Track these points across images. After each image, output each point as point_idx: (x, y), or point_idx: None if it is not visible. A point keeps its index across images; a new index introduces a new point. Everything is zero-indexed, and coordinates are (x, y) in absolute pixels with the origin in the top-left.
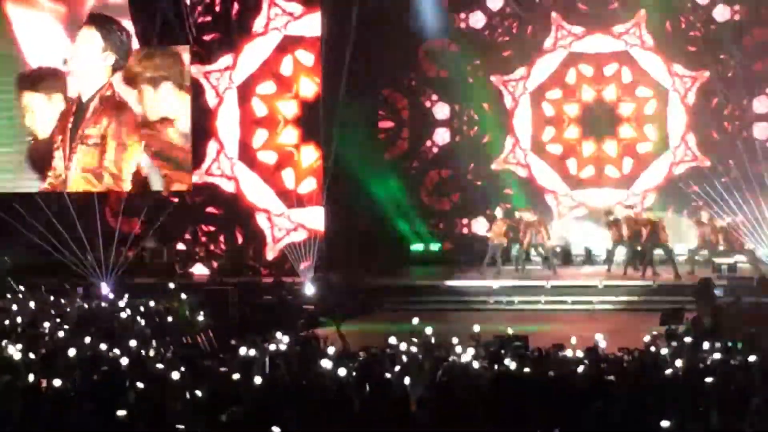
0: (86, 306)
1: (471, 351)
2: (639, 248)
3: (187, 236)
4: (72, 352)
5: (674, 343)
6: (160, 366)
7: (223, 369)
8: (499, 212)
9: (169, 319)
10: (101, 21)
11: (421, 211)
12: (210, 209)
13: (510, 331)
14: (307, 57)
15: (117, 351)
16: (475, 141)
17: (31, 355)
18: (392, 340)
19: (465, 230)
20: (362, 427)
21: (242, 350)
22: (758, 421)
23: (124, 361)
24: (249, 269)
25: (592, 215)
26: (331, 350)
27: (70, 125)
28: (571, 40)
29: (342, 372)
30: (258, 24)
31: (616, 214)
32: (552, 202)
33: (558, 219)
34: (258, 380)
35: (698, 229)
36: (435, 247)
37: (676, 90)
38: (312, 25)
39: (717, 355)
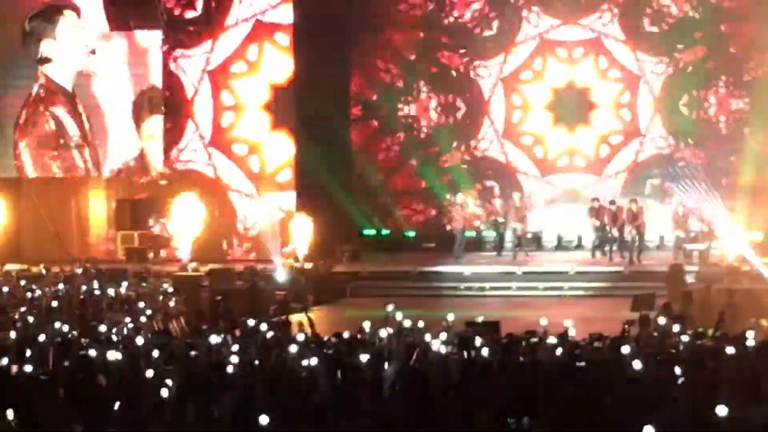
0: (58, 291)
1: (443, 337)
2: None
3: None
4: (42, 337)
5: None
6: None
7: (193, 353)
8: (459, 198)
9: (141, 304)
10: None
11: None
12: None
13: (481, 317)
14: (281, 42)
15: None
16: (446, 128)
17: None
18: (366, 325)
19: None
20: (334, 412)
21: (213, 337)
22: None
23: (96, 347)
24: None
25: (564, 200)
26: (300, 337)
27: None
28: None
29: (313, 359)
30: (233, 13)
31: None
32: (526, 187)
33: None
34: (229, 367)
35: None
36: (385, 231)
37: (644, 78)
38: (286, 13)
39: (685, 338)
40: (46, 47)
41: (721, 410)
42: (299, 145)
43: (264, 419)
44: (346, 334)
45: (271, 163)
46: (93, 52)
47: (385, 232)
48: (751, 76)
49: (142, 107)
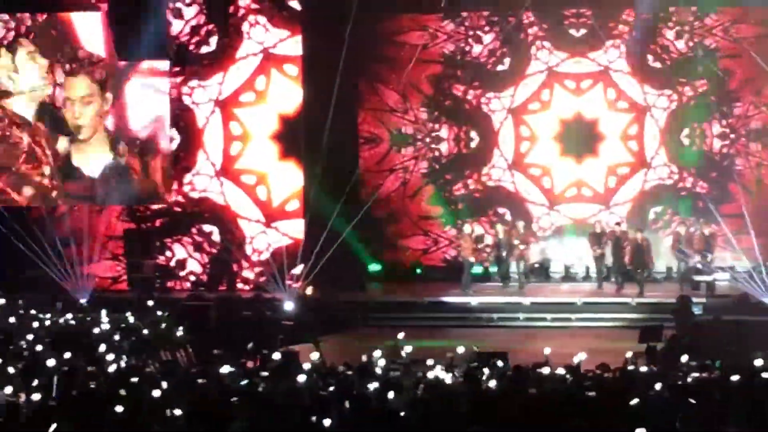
0: (65, 320)
1: (450, 368)
2: (621, 266)
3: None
4: (51, 365)
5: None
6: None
7: (201, 381)
8: (467, 229)
9: (146, 332)
10: None
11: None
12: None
13: (489, 348)
14: (291, 73)
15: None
16: (457, 158)
17: (10, 369)
18: (376, 353)
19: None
20: None
21: (220, 366)
22: None
23: (104, 375)
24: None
25: (571, 230)
26: (307, 366)
27: None
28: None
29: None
30: (244, 47)
31: (602, 227)
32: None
33: (538, 234)
34: (237, 397)
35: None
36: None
37: (650, 110)
38: (295, 46)
39: (694, 373)
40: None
41: None
42: (307, 176)
43: None
44: (354, 364)
45: (279, 193)
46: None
47: (390, 269)
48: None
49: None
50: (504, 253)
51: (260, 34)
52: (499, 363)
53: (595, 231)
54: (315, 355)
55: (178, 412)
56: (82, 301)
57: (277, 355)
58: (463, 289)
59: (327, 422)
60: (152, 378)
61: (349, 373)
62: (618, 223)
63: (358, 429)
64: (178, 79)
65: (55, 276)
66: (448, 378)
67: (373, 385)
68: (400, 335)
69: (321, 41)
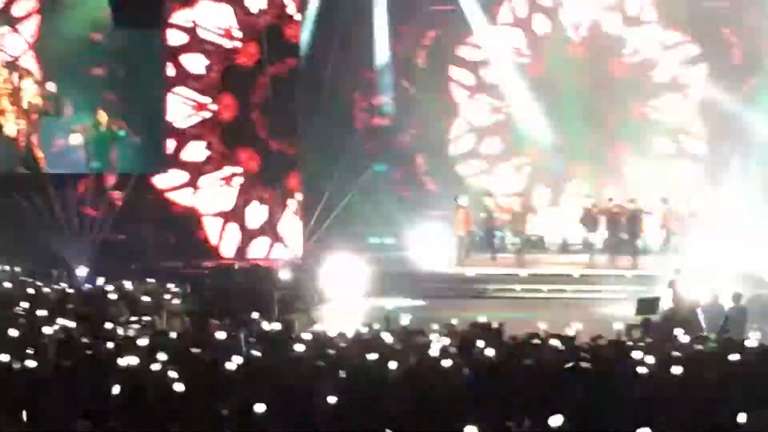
0: (63, 288)
1: (446, 339)
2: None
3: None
4: (47, 333)
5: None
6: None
7: (197, 351)
8: (464, 201)
9: (145, 299)
10: None
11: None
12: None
13: (485, 319)
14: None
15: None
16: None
17: (7, 335)
18: (369, 325)
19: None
20: (337, 412)
21: (219, 334)
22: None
23: (102, 345)
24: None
25: (568, 203)
26: (305, 335)
27: None
28: None
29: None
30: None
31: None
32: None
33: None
34: (234, 366)
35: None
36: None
37: None
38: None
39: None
40: None
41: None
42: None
43: (260, 407)
44: (350, 335)
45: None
46: None
47: (388, 240)
48: None
49: None
50: (498, 230)
51: None
52: (495, 334)
53: (586, 208)
54: (311, 325)
55: (174, 377)
56: (81, 269)
57: (273, 325)
58: (459, 260)
59: (332, 400)
60: (149, 348)
61: (343, 345)
62: (610, 199)
63: (354, 399)
64: None
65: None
66: (444, 348)
67: (370, 356)
68: (391, 305)
69: None
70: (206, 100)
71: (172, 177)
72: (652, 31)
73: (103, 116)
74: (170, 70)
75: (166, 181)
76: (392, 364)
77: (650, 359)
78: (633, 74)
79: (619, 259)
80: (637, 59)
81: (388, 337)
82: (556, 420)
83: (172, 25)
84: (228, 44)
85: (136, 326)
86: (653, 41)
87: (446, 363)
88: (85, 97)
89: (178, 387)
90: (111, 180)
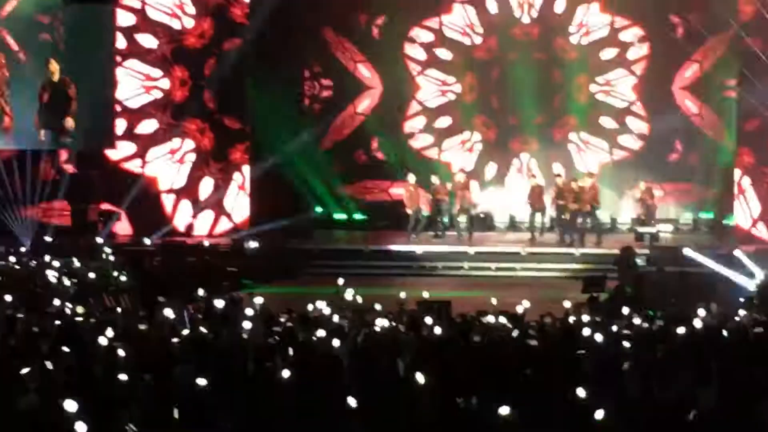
0: (8, 264)
1: (394, 316)
2: (564, 215)
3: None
4: None
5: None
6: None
7: (143, 327)
8: (412, 178)
9: (92, 276)
10: None
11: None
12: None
13: (432, 297)
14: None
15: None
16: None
17: None
18: (320, 304)
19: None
20: (286, 389)
21: (166, 311)
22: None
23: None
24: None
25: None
26: (250, 312)
27: None
28: None
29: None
30: None
31: (538, 180)
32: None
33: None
34: (181, 342)
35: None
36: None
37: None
38: None
39: (637, 321)
40: None
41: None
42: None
43: (202, 381)
44: (297, 312)
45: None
46: None
47: (336, 214)
48: None
49: None
50: (444, 208)
51: None
52: (442, 311)
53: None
54: (259, 300)
55: (121, 354)
56: (25, 245)
57: (221, 302)
58: (408, 238)
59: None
60: (97, 324)
61: (289, 324)
62: (558, 175)
63: (302, 376)
64: None
65: None
66: (392, 326)
67: (317, 333)
68: (340, 281)
69: None
70: (157, 73)
71: (123, 151)
72: (599, 13)
73: (54, 65)
74: (120, 43)
75: (117, 155)
76: (340, 342)
77: (598, 337)
78: (581, 54)
79: (566, 237)
80: (585, 40)
81: (335, 314)
82: (504, 410)
83: (121, 5)
84: (177, 24)
85: (83, 303)
86: (600, 22)
87: (394, 340)
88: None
89: (125, 363)
90: (63, 155)
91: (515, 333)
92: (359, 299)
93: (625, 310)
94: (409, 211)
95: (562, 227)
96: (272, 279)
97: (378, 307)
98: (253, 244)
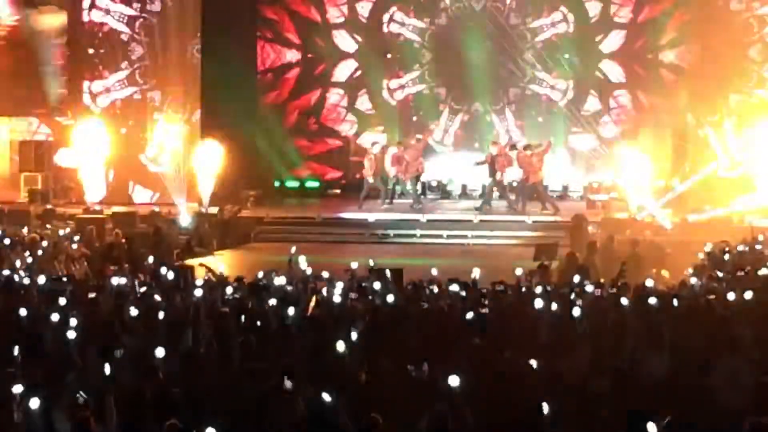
0: None
1: (345, 284)
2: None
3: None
4: None
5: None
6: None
7: (93, 296)
8: (376, 148)
9: (44, 244)
10: None
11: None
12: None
13: (383, 264)
14: None
15: None
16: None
17: None
18: (268, 270)
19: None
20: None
21: (116, 279)
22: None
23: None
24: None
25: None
26: (200, 281)
27: None
28: None
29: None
30: None
31: (490, 150)
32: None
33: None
34: (132, 311)
35: None
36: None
37: None
38: None
39: (587, 288)
40: None
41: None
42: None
43: (161, 352)
44: (248, 279)
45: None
46: None
47: (290, 183)
48: None
49: None
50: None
51: None
52: (394, 279)
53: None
54: (213, 266)
55: (73, 325)
56: None
57: (172, 270)
58: (359, 207)
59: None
60: (47, 293)
61: (238, 295)
62: (513, 146)
63: (255, 345)
64: None
65: None
66: (343, 293)
67: (269, 301)
68: (292, 248)
69: None
70: None
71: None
72: None
73: None
74: None
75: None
76: (291, 309)
77: (552, 305)
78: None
79: (518, 205)
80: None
81: (286, 282)
82: (453, 380)
83: None
84: None
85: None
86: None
87: (345, 307)
88: None
89: (74, 331)
90: None
91: (467, 301)
92: (310, 268)
93: (576, 278)
94: (369, 179)
95: (513, 194)
96: (224, 247)
97: (326, 274)
98: (185, 219)
